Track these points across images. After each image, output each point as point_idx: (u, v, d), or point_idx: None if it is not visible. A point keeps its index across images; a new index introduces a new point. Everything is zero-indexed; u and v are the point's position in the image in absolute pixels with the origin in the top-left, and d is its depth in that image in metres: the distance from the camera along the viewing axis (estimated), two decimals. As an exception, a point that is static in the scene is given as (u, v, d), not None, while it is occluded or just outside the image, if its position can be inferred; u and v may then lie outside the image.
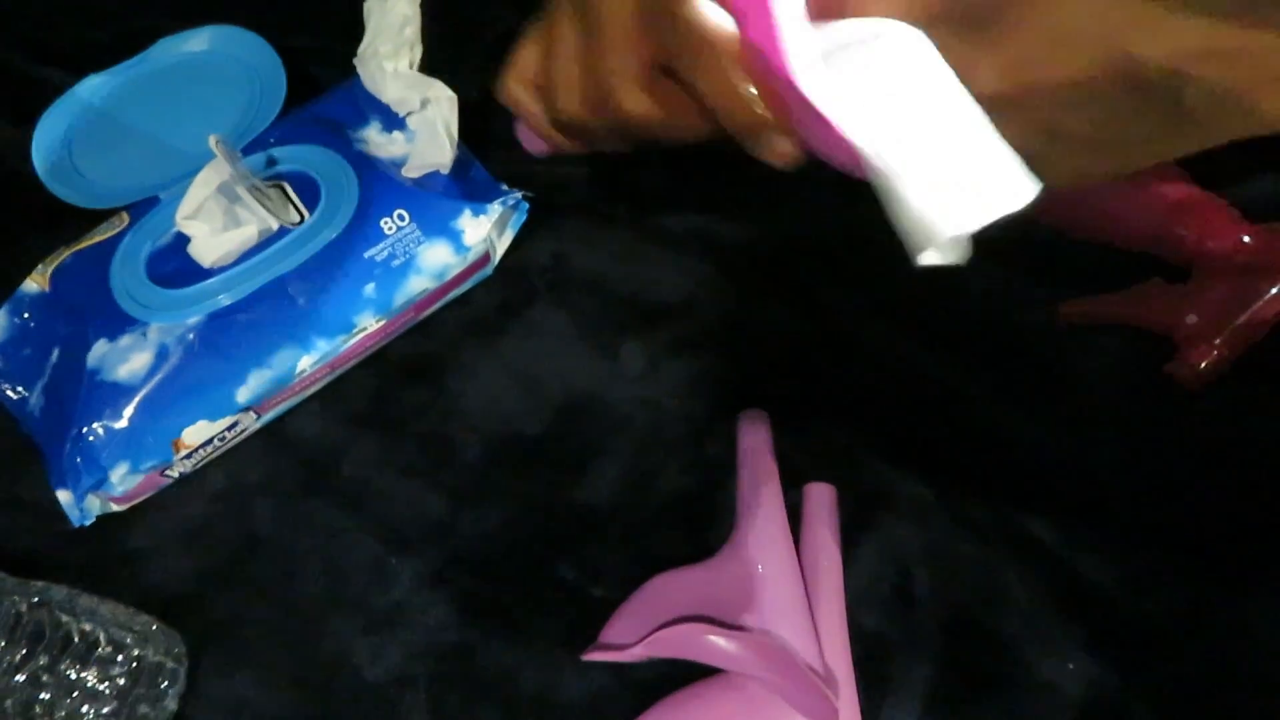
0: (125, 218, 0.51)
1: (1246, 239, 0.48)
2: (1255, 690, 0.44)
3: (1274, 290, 0.47)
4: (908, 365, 0.52)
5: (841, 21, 0.29)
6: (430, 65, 0.56)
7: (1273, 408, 0.49)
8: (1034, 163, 0.28)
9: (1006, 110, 0.28)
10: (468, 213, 0.51)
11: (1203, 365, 0.48)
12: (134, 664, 0.42)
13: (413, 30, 0.54)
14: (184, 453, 0.47)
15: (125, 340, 0.47)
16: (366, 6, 0.55)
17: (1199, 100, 0.26)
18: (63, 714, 0.41)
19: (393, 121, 0.54)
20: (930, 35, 0.28)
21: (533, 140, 0.44)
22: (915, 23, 0.28)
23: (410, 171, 0.53)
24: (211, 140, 0.46)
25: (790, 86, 0.29)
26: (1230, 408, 0.49)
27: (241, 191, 0.47)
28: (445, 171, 0.53)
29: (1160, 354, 0.50)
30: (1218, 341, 0.48)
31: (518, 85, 0.40)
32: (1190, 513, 0.47)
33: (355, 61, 0.55)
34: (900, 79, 0.28)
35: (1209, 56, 0.26)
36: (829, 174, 0.32)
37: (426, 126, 0.53)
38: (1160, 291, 0.50)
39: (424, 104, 0.53)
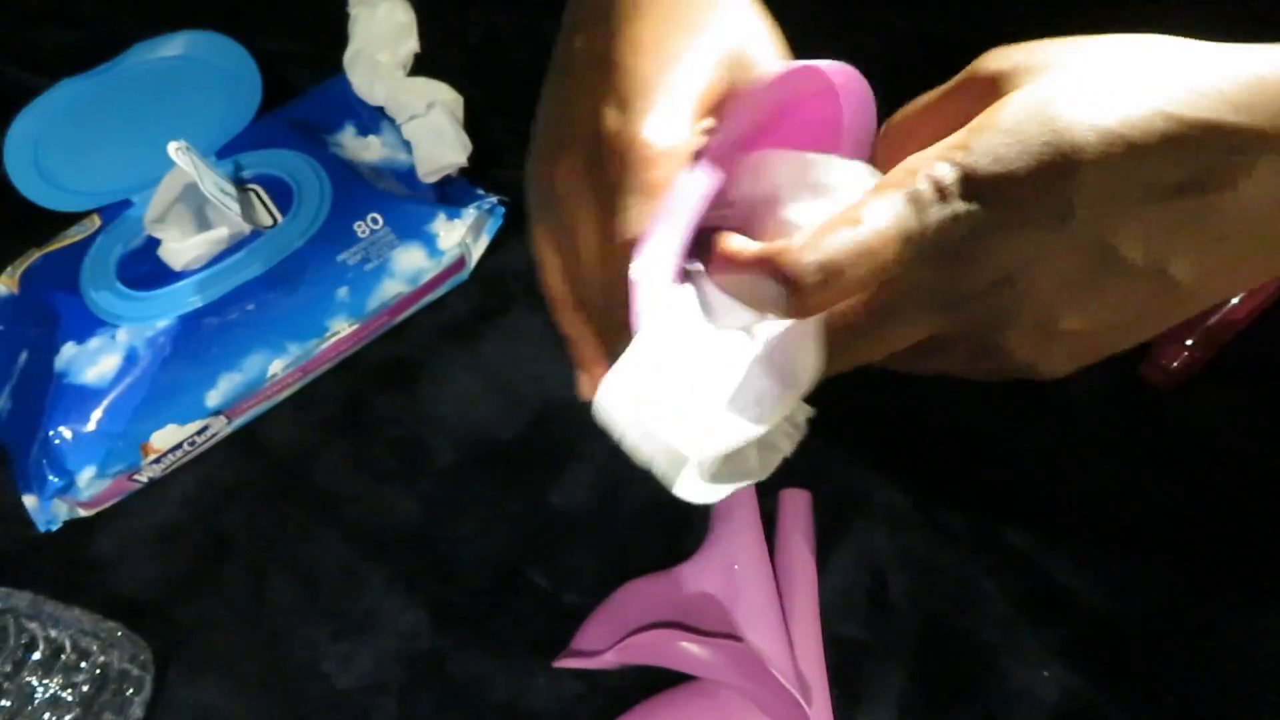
0: (97, 220, 0.50)
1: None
2: (1229, 695, 0.43)
3: (1244, 291, 0.48)
4: (883, 371, 0.52)
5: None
6: (414, 67, 0.56)
7: (1244, 409, 0.49)
8: (1029, 362, 0.29)
9: None
10: (442, 216, 0.51)
11: (1174, 366, 0.49)
12: (99, 671, 0.42)
13: (411, 37, 0.55)
14: (153, 457, 0.47)
15: (94, 343, 0.46)
16: (352, 12, 0.55)
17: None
18: (24, 722, 0.40)
19: (368, 126, 0.54)
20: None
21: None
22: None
23: (426, 175, 0.53)
24: (171, 147, 0.46)
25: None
26: (1202, 410, 0.49)
27: (212, 195, 0.47)
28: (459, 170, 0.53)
29: (1133, 355, 0.50)
30: (1189, 343, 0.48)
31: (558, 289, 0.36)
32: (1163, 517, 0.47)
33: (344, 66, 0.54)
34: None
35: None
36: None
37: (432, 129, 0.53)
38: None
39: (429, 107, 0.53)
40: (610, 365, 0.27)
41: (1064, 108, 0.25)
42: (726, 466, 0.29)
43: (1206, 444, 0.49)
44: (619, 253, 0.29)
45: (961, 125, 0.27)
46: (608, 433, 0.28)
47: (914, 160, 0.26)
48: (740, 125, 0.30)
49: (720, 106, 0.31)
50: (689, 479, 0.28)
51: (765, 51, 0.32)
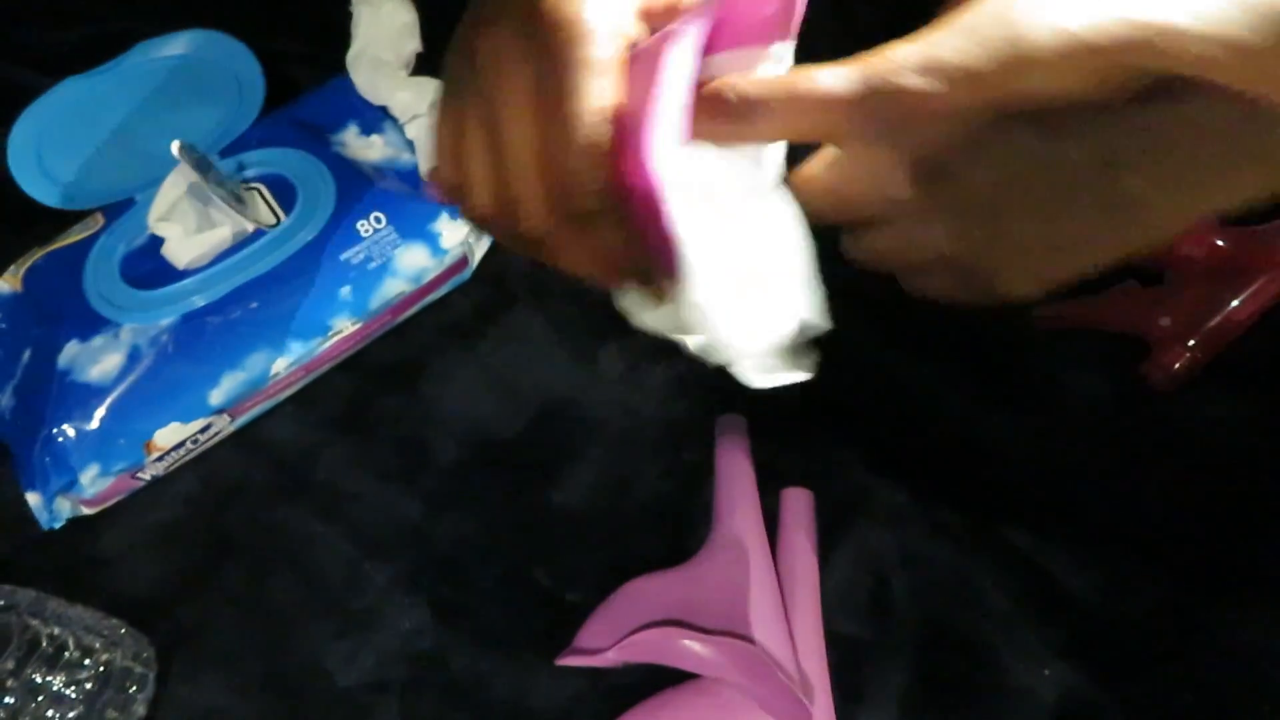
0: (100, 219, 0.50)
1: (1220, 242, 0.48)
2: (1229, 694, 0.44)
3: (1247, 293, 0.48)
4: (884, 371, 0.52)
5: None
6: (416, 67, 0.56)
7: (1245, 410, 0.49)
8: (994, 274, 0.30)
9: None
10: (445, 216, 0.51)
11: (1176, 367, 0.49)
12: (102, 668, 0.42)
13: (413, 37, 0.55)
14: (156, 455, 0.47)
15: (97, 341, 0.46)
16: (355, 11, 0.55)
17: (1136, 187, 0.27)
18: (28, 718, 0.40)
19: (372, 125, 0.54)
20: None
21: None
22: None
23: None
24: (174, 146, 0.46)
25: (643, 171, 0.28)
26: (1203, 411, 0.49)
27: (215, 194, 0.47)
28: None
29: (1134, 357, 0.50)
30: (1191, 344, 0.48)
31: (446, 166, 0.35)
32: (1164, 518, 0.47)
33: (348, 66, 0.55)
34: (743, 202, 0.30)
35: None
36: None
37: None
38: (1134, 295, 0.51)
39: (432, 107, 0.53)
40: (577, 253, 0.31)
41: (1025, 7, 0.26)
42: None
43: (1207, 444, 0.49)
44: (571, 126, 0.29)
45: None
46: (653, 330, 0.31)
47: (885, 46, 0.28)
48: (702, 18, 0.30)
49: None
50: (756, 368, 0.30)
51: None
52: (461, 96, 0.33)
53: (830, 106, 0.27)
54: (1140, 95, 0.26)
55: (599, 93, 0.29)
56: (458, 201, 0.34)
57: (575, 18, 0.29)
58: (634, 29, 0.30)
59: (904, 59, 0.27)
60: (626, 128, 0.29)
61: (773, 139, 0.31)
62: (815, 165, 0.31)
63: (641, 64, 0.29)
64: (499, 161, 0.32)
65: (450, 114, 0.33)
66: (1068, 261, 0.30)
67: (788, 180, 0.32)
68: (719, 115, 0.29)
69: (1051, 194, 0.28)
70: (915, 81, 0.26)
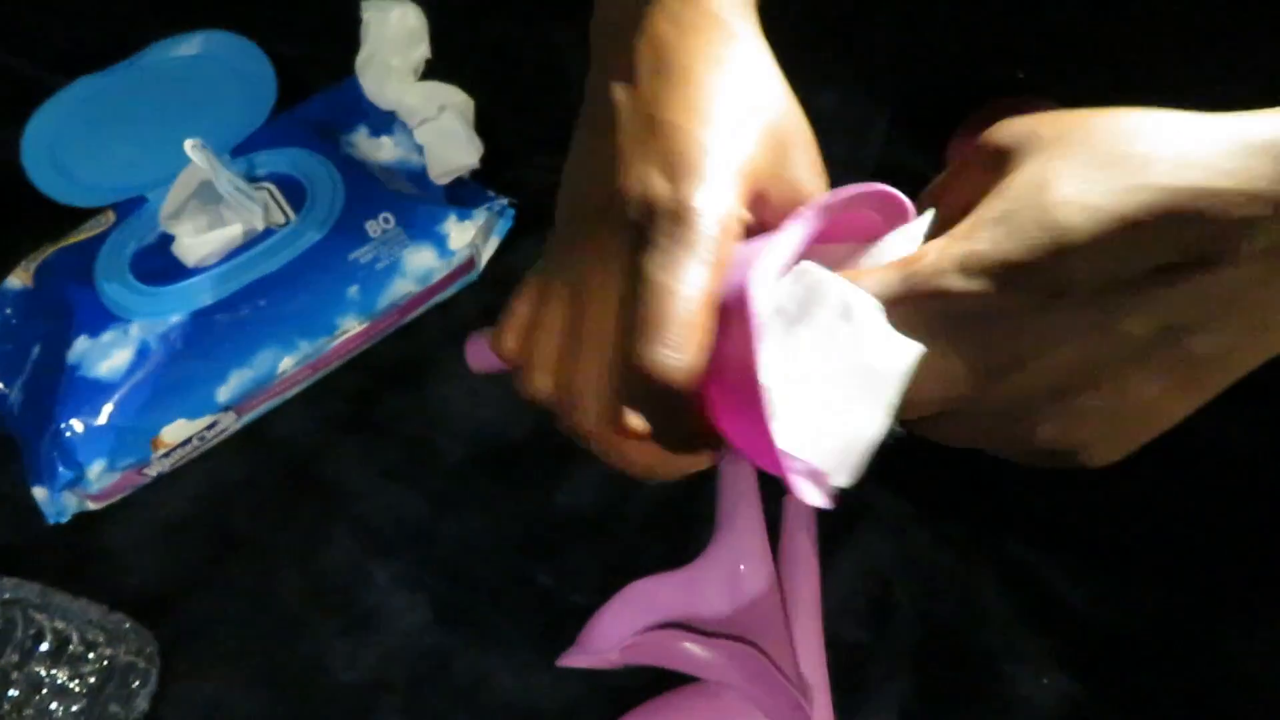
0: (112, 216, 0.51)
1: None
2: (1227, 703, 0.44)
3: None
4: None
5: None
6: (425, 72, 0.56)
7: (1243, 422, 0.50)
8: (1076, 451, 0.30)
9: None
10: (453, 217, 0.51)
11: None
12: (105, 663, 0.42)
13: (422, 43, 0.55)
14: (163, 451, 0.47)
15: (107, 337, 0.47)
16: (365, 16, 0.55)
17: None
18: (31, 711, 0.41)
19: (381, 127, 0.54)
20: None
21: (481, 360, 0.39)
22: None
23: (438, 177, 0.53)
24: (188, 145, 0.47)
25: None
26: (1201, 421, 0.49)
27: (226, 193, 0.48)
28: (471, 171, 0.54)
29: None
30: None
31: (517, 343, 0.33)
32: (1162, 528, 0.47)
33: (356, 70, 0.55)
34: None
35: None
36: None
37: (444, 132, 0.53)
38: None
39: (440, 111, 0.53)
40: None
41: (1056, 190, 0.26)
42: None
43: (1206, 455, 0.49)
44: (661, 302, 0.28)
45: (978, 193, 0.28)
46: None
47: (926, 245, 0.28)
48: (812, 221, 0.30)
49: (758, 181, 0.31)
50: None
51: (800, 131, 0.33)
52: (551, 275, 0.32)
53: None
54: (1194, 259, 0.25)
55: (692, 275, 0.28)
56: (513, 372, 0.33)
57: (684, 206, 0.29)
58: (740, 209, 0.30)
59: (944, 260, 0.27)
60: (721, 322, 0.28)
61: None
62: None
63: (740, 262, 0.29)
64: (570, 349, 0.30)
65: (534, 289, 0.32)
66: (1148, 425, 0.30)
67: None
68: None
69: (1120, 368, 0.27)
70: (958, 283, 0.27)
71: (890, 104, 0.58)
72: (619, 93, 0.32)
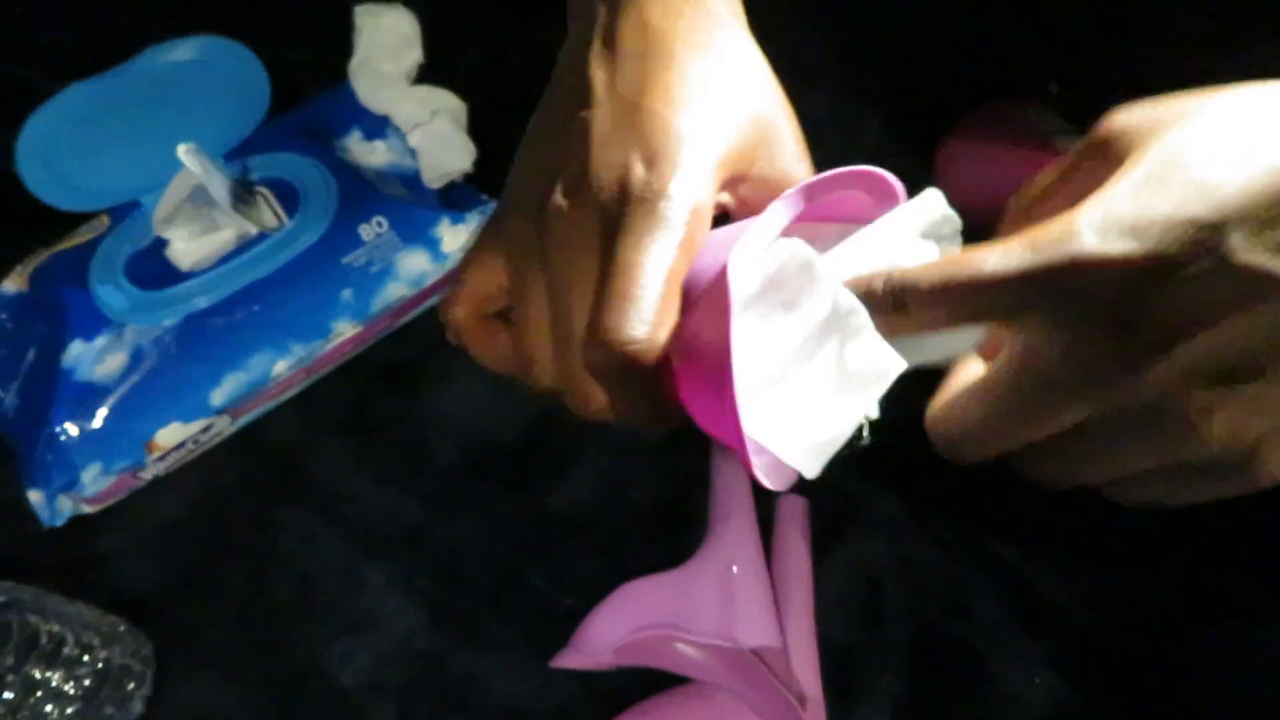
0: (106, 220, 0.51)
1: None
2: (1214, 704, 0.44)
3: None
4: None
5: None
6: (418, 76, 0.57)
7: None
8: (1250, 457, 0.26)
9: None
10: (446, 221, 0.51)
11: None
12: (100, 665, 0.42)
13: (415, 48, 0.55)
14: (157, 455, 0.47)
15: (101, 341, 0.47)
16: (358, 21, 0.56)
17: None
18: (26, 714, 0.41)
19: (374, 131, 0.54)
20: None
21: None
22: None
23: (431, 181, 0.54)
24: (181, 150, 0.47)
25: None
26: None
27: (220, 197, 0.48)
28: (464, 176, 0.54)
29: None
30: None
31: (466, 314, 0.34)
32: (1150, 531, 0.48)
33: (350, 74, 0.55)
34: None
35: None
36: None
37: (437, 137, 0.54)
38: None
39: (433, 115, 0.54)
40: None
41: (1197, 150, 0.24)
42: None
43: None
44: (630, 294, 0.28)
45: (1093, 186, 0.26)
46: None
47: (1053, 218, 0.25)
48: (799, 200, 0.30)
49: (740, 167, 0.31)
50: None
51: (784, 118, 0.33)
52: (514, 246, 0.31)
53: (1002, 287, 0.25)
54: None
55: (659, 263, 0.28)
56: (516, 376, 0.34)
57: (661, 193, 0.29)
58: (716, 195, 0.30)
59: (1077, 222, 0.24)
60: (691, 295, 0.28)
61: (928, 330, 0.28)
62: (965, 383, 0.28)
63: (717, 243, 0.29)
64: (564, 343, 0.30)
65: (500, 257, 0.32)
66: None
67: (927, 423, 0.30)
68: (873, 310, 0.27)
69: None
70: (1096, 245, 0.24)
71: (882, 107, 0.59)
72: (598, 71, 0.32)
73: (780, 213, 0.29)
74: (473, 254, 0.33)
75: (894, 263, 0.28)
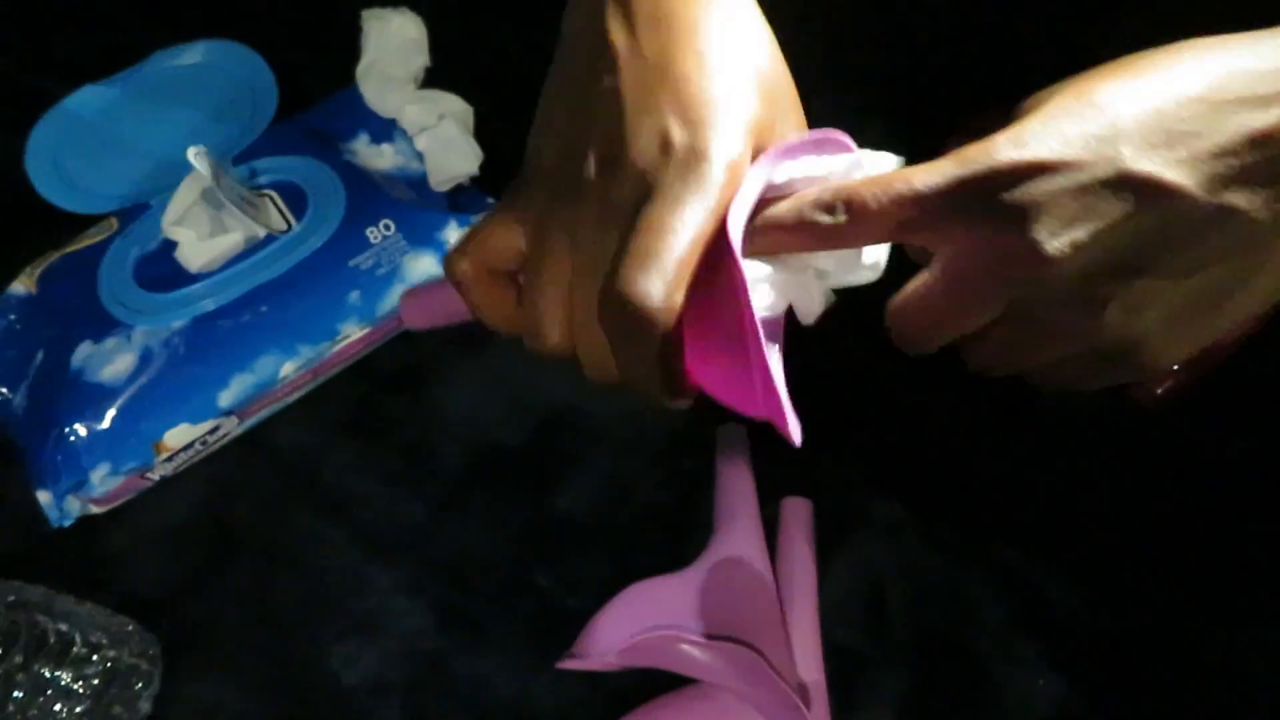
0: (115, 223, 0.51)
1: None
2: (1218, 707, 0.44)
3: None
4: (883, 388, 0.52)
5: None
6: (425, 80, 0.57)
7: (1229, 430, 0.50)
8: (1139, 348, 0.30)
9: None
10: (453, 224, 0.52)
11: (1159, 391, 0.49)
12: (108, 665, 0.42)
13: (422, 52, 0.56)
14: (165, 455, 0.47)
15: (110, 342, 0.47)
16: (365, 25, 0.56)
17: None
18: (35, 712, 0.41)
19: (381, 134, 0.55)
20: None
21: (418, 315, 0.40)
22: None
23: (439, 184, 0.54)
24: (191, 153, 0.47)
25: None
26: (1189, 431, 0.50)
27: (228, 199, 0.48)
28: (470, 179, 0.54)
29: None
30: (1176, 368, 0.49)
31: (474, 266, 0.34)
32: (1153, 534, 0.48)
33: (357, 78, 0.56)
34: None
35: None
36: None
37: (444, 140, 0.54)
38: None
39: (440, 119, 0.54)
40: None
41: (1106, 97, 0.28)
42: None
43: (1193, 463, 0.49)
44: (652, 263, 0.28)
45: None
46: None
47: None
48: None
49: (760, 134, 0.31)
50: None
51: (789, 88, 0.33)
52: (546, 234, 0.31)
53: (934, 196, 0.28)
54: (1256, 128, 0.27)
55: (697, 218, 0.28)
56: (520, 336, 0.34)
57: (703, 155, 0.29)
58: (747, 155, 0.30)
59: (995, 140, 0.28)
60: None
61: (874, 241, 0.31)
62: (913, 286, 0.31)
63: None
64: (582, 306, 0.31)
65: (530, 225, 0.32)
66: (1206, 316, 0.29)
67: (887, 315, 0.32)
68: (810, 227, 0.30)
69: (1183, 244, 0.28)
70: (1010, 152, 0.28)
71: (883, 108, 0.59)
72: (618, 34, 0.32)
73: (761, 174, 0.30)
74: (492, 217, 0.33)
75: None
